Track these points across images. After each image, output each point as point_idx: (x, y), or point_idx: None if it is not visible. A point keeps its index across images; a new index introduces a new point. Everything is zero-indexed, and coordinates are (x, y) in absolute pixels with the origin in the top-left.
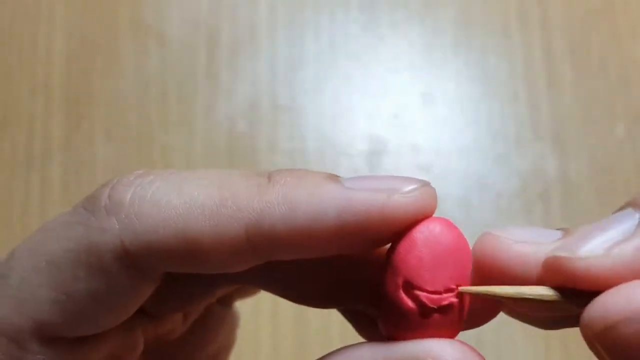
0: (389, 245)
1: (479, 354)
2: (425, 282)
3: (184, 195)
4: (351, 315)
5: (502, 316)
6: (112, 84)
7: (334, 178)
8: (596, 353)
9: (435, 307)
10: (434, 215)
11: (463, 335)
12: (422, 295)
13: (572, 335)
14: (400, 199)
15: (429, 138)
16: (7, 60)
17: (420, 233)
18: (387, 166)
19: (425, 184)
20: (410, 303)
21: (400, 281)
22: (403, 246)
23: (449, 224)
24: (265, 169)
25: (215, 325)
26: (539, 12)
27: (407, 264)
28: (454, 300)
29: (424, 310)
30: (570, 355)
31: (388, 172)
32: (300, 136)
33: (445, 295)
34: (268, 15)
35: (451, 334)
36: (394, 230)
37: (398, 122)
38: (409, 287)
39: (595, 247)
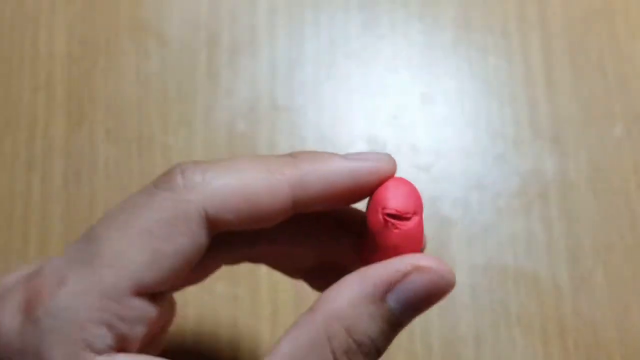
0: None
1: (445, 262)
2: (396, 206)
3: (240, 173)
4: (312, 274)
5: (501, 316)
6: (113, 84)
7: (338, 154)
8: None
9: (407, 216)
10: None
11: (461, 333)
12: (393, 210)
13: (572, 335)
14: (382, 164)
15: (428, 138)
16: (8, 61)
17: (389, 183)
18: None
19: (391, 155)
20: (388, 219)
21: (379, 209)
22: (380, 192)
23: (404, 179)
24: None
25: (169, 315)
26: (538, 13)
27: (383, 198)
28: (416, 218)
29: (400, 222)
30: (569, 355)
31: None
32: (300, 136)
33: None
34: (268, 16)
35: (418, 248)
36: (376, 185)
37: (397, 122)
38: (385, 211)
39: None
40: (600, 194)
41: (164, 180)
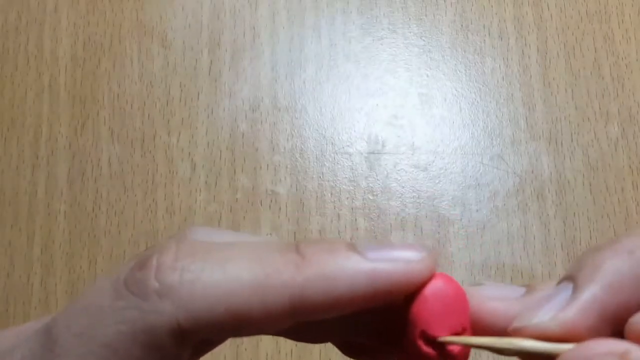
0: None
1: None
2: (437, 329)
3: (229, 274)
4: (342, 346)
5: None
6: (117, 85)
7: (355, 249)
8: None
9: (451, 351)
10: (435, 272)
11: None
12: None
13: None
14: (415, 267)
15: (427, 138)
16: (14, 62)
17: (430, 290)
18: (385, 166)
19: (429, 250)
20: (427, 349)
21: (417, 332)
22: (417, 302)
23: (449, 279)
24: (292, 241)
25: None
26: (535, 15)
27: (422, 317)
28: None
29: (442, 353)
30: None
31: (387, 171)
32: (301, 136)
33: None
34: (269, 18)
35: None
36: (407, 289)
37: (396, 122)
38: (425, 335)
39: (543, 315)
40: (596, 193)
41: (135, 280)
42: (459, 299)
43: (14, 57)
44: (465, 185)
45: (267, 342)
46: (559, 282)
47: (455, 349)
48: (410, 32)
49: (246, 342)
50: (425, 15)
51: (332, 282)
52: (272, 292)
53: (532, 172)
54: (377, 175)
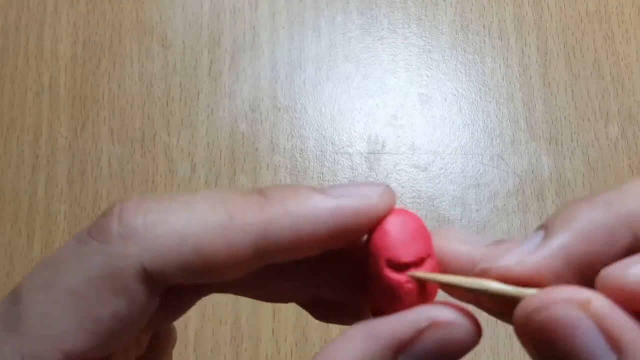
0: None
1: (468, 312)
2: (402, 256)
3: (194, 215)
4: (310, 305)
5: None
6: (116, 85)
7: (319, 189)
8: (522, 343)
9: (416, 263)
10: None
11: None
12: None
13: None
14: (376, 199)
15: (427, 138)
16: (13, 62)
17: (390, 220)
18: (385, 166)
19: (388, 187)
20: (395, 276)
21: (382, 261)
22: (379, 235)
23: (408, 211)
24: (254, 187)
25: (164, 343)
26: (535, 15)
27: (385, 245)
28: (429, 262)
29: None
30: None
31: (387, 171)
32: (300, 136)
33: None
34: (268, 18)
35: (430, 299)
36: (369, 224)
37: (396, 122)
38: (391, 263)
39: (509, 259)
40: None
41: (99, 226)
42: (420, 228)
43: (14, 57)
44: (465, 185)
45: (267, 342)
46: (535, 230)
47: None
48: (410, 32)
49: (246, 342)
50: (425, 15)
51: (296, 219)
52: (237, 232)
53: (532, 172)
54: (377, 175)
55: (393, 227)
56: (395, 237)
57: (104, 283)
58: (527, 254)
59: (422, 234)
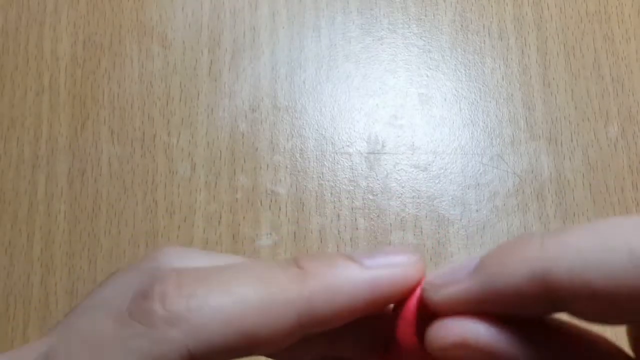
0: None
1: None
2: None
3: (235, 297)
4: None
5: None
6: (117, 85)
7: (353, 259)
8: None
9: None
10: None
11: None
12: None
13: None
14: (410, 270)
15: (427, 138)
16: (14, 62)
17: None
18: (385, 166)
19: (417, 252)
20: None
21: (412, 329)
22: (411, 305)
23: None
24: (290, 257)
25: None
26: (534, 15)
27: (417, 315)
28: None
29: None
30: None
31: (387, 171)
32: (301, 136)
33: None
34: (268, 18)
35: None
36: (402, 293)
37: (396, 122)
38: (421, 334)
39: (443, 289)
40: (596, 193)
41: (141, 308)
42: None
43: (14, 57)
44: (465, 185)
45: None
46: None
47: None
48: (410, 32)
49: None
50: (425, 15)
51: (337, 293)
52: (280, 310)
53: (532, 172)
54: (377, 175)
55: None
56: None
57: None
58: (453, 283)
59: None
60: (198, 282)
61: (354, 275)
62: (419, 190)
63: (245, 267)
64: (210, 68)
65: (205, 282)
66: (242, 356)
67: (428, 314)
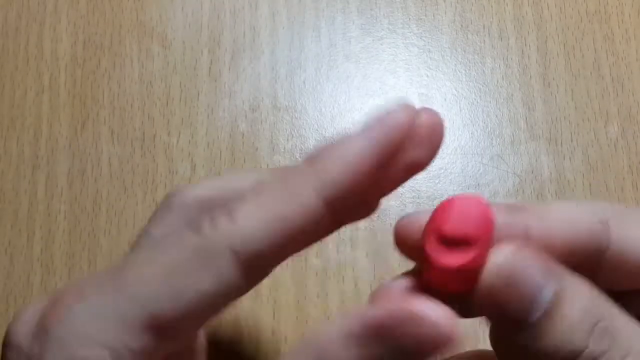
0: None
1: (452, 314)
2: (446, 229)
3: (265, 204)
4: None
5: None
6: (117, 85)
7: (356, 130)
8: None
9: (463, 244)
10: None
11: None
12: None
13: None
14: (400, 114)
15: None
16: (13, 61)
17: (455, 200)
18: None
19: (406, 103)
20: (432, 246)
21: (431, 231)
22: (439, 210)
23: (472, 198)
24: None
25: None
26: (535, 15)
27: (440, 219)
28: (472, 252)
29: (451, 253)
30: None
31: None
32: (301, 136)
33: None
34: (269, 17)
35: (468, 285)
36: (401, 138)
37: None
38: (435, 235)
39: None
40: (596, 193)
41: (193, 226)
42: (480, 214)
43: (13, 57)
44: (465, 186)
45: (267, 342)
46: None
47: (459, 260)
48: (410, 32)
49: (246, 342)
50: (425, 16)
51: (346, 168)
52: (304, 200)
53: (532, 172)
54: None
55: (457, 204)
56: (445, 212)
57: (198, 261)
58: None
59: (483, 219)
60: (235, 206)
61: (358, 149)
62: (418, 190)
63: (266, 178)
64: (210, 68)
65: (241, 204)
66: (288, 253)
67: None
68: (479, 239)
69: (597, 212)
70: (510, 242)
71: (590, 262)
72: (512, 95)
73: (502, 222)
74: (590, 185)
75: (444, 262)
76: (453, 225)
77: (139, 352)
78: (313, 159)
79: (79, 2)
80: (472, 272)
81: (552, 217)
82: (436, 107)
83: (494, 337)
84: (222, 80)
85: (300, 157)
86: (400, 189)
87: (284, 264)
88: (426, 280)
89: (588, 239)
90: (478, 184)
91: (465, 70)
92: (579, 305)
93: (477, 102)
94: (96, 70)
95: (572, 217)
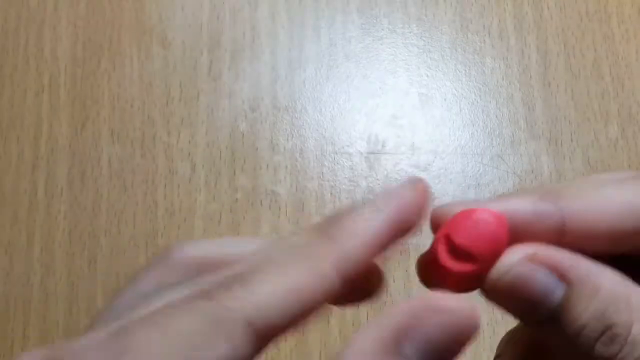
0: None
1: (467, 300)
2: (461, 241)
3: (285, 276)
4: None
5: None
6: (116, 85)
7: (370, 207)
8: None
9: (469, 255)
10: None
11: None
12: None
13: None
14: (417, 197)
15: (427, 138)
16: (14, 62)
17: (469, 212)
18: (385, 165)
19: (418, 180)
20: (443, 252)
21: (441, 237)
22: (453, 219)
23: (493, 214)
24: (314, 224)
25: None
26: (535, 15)
27: (450, 227)
28: (475, 265)
29: (458, 262)
30: None
31: (387, 171)
32: (301, 136)
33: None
34: (268, 18)
35: (469, 287)
36: (415, 222)
37: (396, 122)
38: (445, 242)
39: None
40: None
41: (205, 292)
42: (495, 230)
43: (13, 57)
44: (465, 186)
45: None
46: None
47: (461, 267)
48: (410, 32)
49: None
50: (425, 15)
51: (360, 247)
52: (324, 276)
53: (532, 172)
54: (377, 175)
55: (472, 216)
56: (460, 221)
57: (213, 330)
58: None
59: (491, 239)
60: (253, 276)
61: (372, 227)
62: None
63: (284, 247)
64: (210, 68)
65: (259, 275)
66: (298, 325)
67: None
68: (483, 257)
69: None
70: (520, 248)
71: None
72: (512, 95)
73: (534, 211)
74: None
75: (446, 263)
76: (462, 239)
77: None
78: (330, 231)
79: (79, 3)
80: (473, 278)
81: (592, 204)
82: (436, 107)
83: None
84: (222, 80)
85: (299, 157)
86: None
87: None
88: (435, 275)
89: (636, 221)
90: (478, 184)
91: (465, 70)
92: (589, 309)
93: (477, 102)
94: (96, 70)
95: (619, 205)
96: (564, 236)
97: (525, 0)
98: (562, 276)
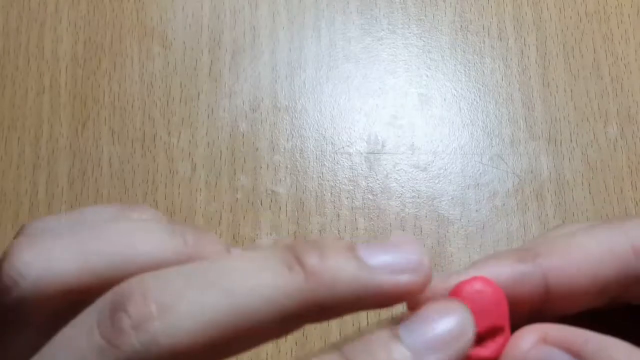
0: None
1: None
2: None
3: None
4: None
5: None
6: (117, 85)
7: (355, 253)
8: None
9: (489, 334)
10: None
11: None
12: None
13: None
14: (415, 281)
15: (426, 138)
16: (14, 62)
17: (465, 290)
18: (385, 165)
19: (425, 254)
20: None
21: None
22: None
23: (486, 281)
24: (285, 245)
25: None
26: (534, 15)
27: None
28: (501, 339)
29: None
30: None
31: (387, 171)
32: (301, 136)
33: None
34: (268, 18)
35: None
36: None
37: (396, 123)
38: None
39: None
40: (595, 193)
41: (109, 329)
42: (496, 297)
43: (14, 57)
44: (465, 185)
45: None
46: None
47: (483, 352)
48: (410, 33)
49: None
50: (425, 16)
51: (336, 291)
52: (277, 310)
53: (532, 172)
54: (376, 175)
55: (467, 295)
56: (470, 305)
57: None
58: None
59: (499, 303)
60: (176, 295)
61: (353, 276)
62: (418, 190)
63: (224, 266)
64: (210, 68)
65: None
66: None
67: None
68: (502, 327)
69: (630, 236)
70: (529, 330)
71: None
72: (511, 95)
73: (515, 273)
74: (589, 185)
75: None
76: (479, 320)
77: None
78: (300, 255)
79: (80, 3)
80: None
81: (570, 256)
82: (436, 107)
83: None
84: (223, 81)
85: (299, 157)
86: (400, 189)
87: None
88: None
89: (620, 270)
90: (478, 184)
91: (465, 71)
92: None
93: (477, 102)
94: (97, 70)
95: (596, 252)
96: (549, 294)
97: (524, 1)
98: (577, 354)
